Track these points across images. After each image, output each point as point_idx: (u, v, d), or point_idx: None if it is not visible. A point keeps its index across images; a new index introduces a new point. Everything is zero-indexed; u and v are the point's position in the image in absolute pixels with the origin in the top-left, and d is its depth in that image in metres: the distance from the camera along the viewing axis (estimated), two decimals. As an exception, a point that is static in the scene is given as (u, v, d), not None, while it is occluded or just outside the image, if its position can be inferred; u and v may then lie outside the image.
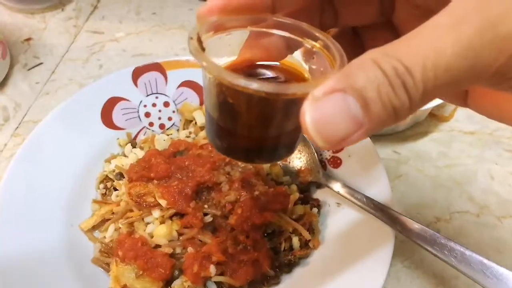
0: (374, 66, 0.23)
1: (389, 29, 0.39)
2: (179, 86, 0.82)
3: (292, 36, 0.37)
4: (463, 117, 0.91)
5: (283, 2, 0.35)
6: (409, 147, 0.87)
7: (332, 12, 0.39)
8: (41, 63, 0.99)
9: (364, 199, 0.64)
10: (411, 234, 0.60)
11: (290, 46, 0.37)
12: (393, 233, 0.62)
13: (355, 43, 0.41)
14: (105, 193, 0.72)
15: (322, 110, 0.24)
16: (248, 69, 0.38)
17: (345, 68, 0.24)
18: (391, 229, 0.62)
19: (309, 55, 0.37)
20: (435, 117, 0.91)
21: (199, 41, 0.34)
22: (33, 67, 0.98)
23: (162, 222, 0.65)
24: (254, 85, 0.28)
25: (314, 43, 0.36)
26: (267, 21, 0.37)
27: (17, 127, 0.87)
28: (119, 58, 1.01)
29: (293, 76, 0.38)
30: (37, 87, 0.94)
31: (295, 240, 0.66)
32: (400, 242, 0.71)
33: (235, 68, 0.38)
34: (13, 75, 0.96)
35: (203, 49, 0.34)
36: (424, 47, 0.23)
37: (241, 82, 0.29)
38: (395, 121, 0.25)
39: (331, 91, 0.24)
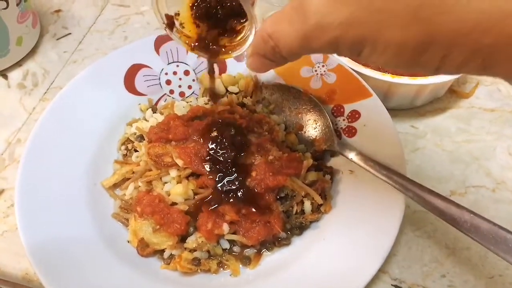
0: (263, 45, 0.41)
1: None
2: (199, 56, 0.84)
3: None
4: (484, 94, 0.89)
5: None
6: (427, 122, 0.86)
7: None
8: (69, 34, 1.03)
9: (377, 166, 0.65)
10: (423, 200, 0.60)
11: None
12: (404, 199, 0.63)
13: None
14: (126, 154, 0.75)
15: (250, 62, 0.45)
16: None
17: (253, 41, 0.45)
18: (402, 195, 0.62)
19: None
20: (455, 93, 0.89)
21: None
22: (62, 37, 1.02)
23: (178, 182, 0.67)
24: None
25: None
26: None
27: (45, 92, 0.91)
28: (143, 31, 1.04)
29: None
30: (65, 56, 0.98)
31: (307, 204, 0.68)
32: (412, 212, 0.72)
33: None
34: (43, 44, 1.00)
35: None
36: (283, 38, 0.39)
37: None
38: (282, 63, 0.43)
39: (250, 54, 0.45)
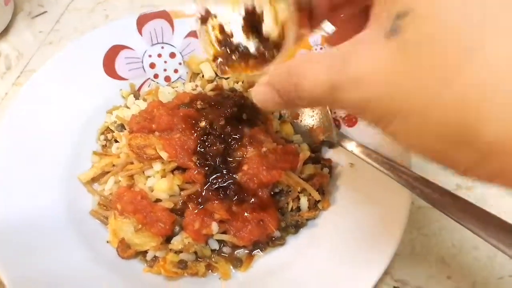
0: (286, 78, 0.37)
1: None
2: (186, 36, 0.77)
3: None
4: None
5: None
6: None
7: None
8: (45, 12, 0.95)
9: (380, 159, 0.59)
10: (430, 197, 0.55)
11: None
12: (410, 196, 0.57)
13: None
14: (106, 145, 0.69)
15: (257, 92, 0.41)
16: None
17: (277, 70, 0.39)
18: (408, 191, 0.57)
19: None
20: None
21: None
22: (37, 16, 0.94)
23: (163, 176, 0.61)
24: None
25: None
26: None
27: (19, 76, 0.84)
28: (126, 9, 0.96)
29: None
30: (40, 36, 0.90)
31: (304, 201, 0.62)
32: (417, 208, 0.67)
33: None
34: (17, 23, 0.92)
35: None
36: (309, 80, 0.34)
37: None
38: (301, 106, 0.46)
39: (262, 84, 0.40)
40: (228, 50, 0.51)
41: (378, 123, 0.32)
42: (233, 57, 0.51)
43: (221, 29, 0.51)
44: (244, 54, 0.50)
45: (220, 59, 0.52)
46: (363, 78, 0.31)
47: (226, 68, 0.52)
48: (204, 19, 0.52)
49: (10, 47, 0.88)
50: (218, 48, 0.52)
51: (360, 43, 0.32)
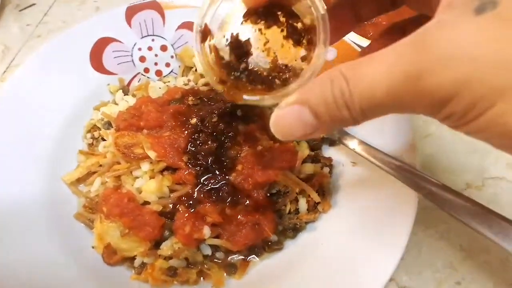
0: (328, 86, 0.30)
1: None
2: (178, 28, 0.73)
3: None
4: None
5: None
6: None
7: None
8: (33, 4, 0.91)
9: (384, 158, 0.55)
10: (439, 199, 0.51)
11: None
12: (417, 198, 0.53)
13: None
14: (92, 143, 0.65)
15: (281, 116, 0.33)
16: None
17: (308, 84, 0.32)
18: (414, 193, 0.53)
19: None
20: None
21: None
22: (25, 8, 0.90)
23: (152, 177, 0.57)
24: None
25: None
26: None
27: (5, 71, 0.80)
28: (118, 0, 0.92)
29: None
30: (28, 29, 0.87)
31: (302, 202, 0.58)
32: (423, 208, 0.62)
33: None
34: (4, 16, 0.88)
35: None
36: (366, 81, 0.29)
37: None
38: (345, 126, 0.32)
39: (292, 103, 0.32)
40: (234, 72, 0.43)
41: (473, 109, 0.27)
42: (240, 78, 0.43)
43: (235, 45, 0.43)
44: (254, 76, 0.43)
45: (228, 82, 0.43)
46: (456, 55, 0.26)
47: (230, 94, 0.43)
48: (204, 35, 0.43)
49: (-4, 41, 0.84)
50: (223, 70, 0.43)
51: (439, 25, 0.28)
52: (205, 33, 0.43)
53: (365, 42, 0.67)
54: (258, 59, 0.44)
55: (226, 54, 0.44)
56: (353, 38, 0.67)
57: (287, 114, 0.32)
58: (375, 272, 0.49)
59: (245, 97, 0.41)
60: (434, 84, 0.27)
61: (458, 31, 0.27)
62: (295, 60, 0.43)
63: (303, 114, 0.31)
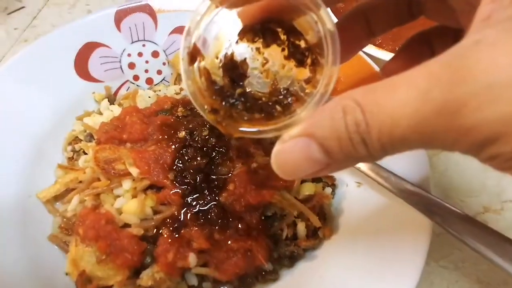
0: (340, 117, 0.25)
1: None
2: (171, 33, 0.68)
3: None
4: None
5: None
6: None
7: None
8: (22, 7, 0.86)
9: (393, 179, 0.49)
10: (454, 226, 0.45)
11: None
12: (430, 225, 0.47)
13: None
14: (73, 157, 0.60)
15: (284, 151, 0.28)
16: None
17: (315, 113, 0.27)
18: (427, 219, 0.46)
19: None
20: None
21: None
22: (14, 11, 0.86)
23: (134, 196, 0.51)
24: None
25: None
26: None
27: (-13, 77, 0.75)
28: (111, 4, 0.87)
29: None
30: (15, 33, 0.82)
31: (301, 227, 0.53)
32: (436, 236, 0.56)
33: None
34: (-10, 19, 0.84)
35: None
36: (387, 111, 0.24)
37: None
38: (361, 162, 0.29)
39: (297, 136, 0.27)
40: (228, 99, 0.37)
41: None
42: (236, 106, 0.37)
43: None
44: (251, 103, 0.37)
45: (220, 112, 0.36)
46: (505, 84, 0.21)
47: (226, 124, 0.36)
48: (192, 57, 0.37)
49: (-19, 45, 0.80)
50: (215, 97, 0.37)
51: (479, 46, 0.23)
52: (194, 54, 0.36)
53: (381, 53, 0.61)
54: (255, 82, 0.39)
55: (218, 77, 0.38)
56: (366, 49, 0.61)
57: (291, 149, 0.28)
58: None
59: (242, 129, 0.35)
60: (478, 119, 0.22)
61: (503, 53, 0.22)
62: (298, 83, 0.37)
63: (310, 149, 0.27)
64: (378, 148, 0.25)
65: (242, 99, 0.37)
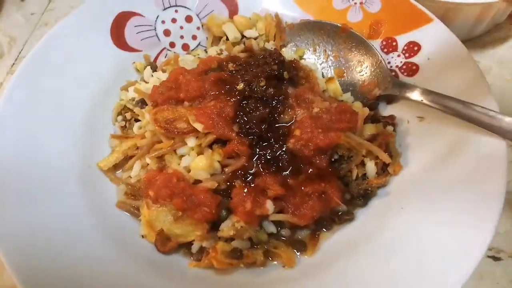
0: None
1: None
2: (203, -5, 0.67)
3: None
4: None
5: None
6: (489, 54, 0.71)
7: None
8: (36, -8, 0.84)
9: (461, 105, 0.49)
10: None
11: None
12: (505, 146, 0.47)
13: None
14: (125, 125, 0.59)
15: None
16: None
17: None
18: (504, 141, 0.46)
19: None
20: (517, 17, 0.74)
21: None
22: (27, -2, 0.84)
23: (200, 153, 0.51)
24: None
25: None
26: None
27: (13, 64, 0.73)
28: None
29: None
30: (33, 18, 0.80)
31: (371, 165, 0.52)
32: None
33: None
34: (6, 6, 0.82)
35: None
36: None
37: None
38: None
39: None
40: None
41: None
42: None
43: None
44: None
45: None
46: None
47: None
48: None
49: (1, 33, 0.78)
50: None
51: None
52: None
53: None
54: None
55: None
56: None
57: None
58: (471, 233, 0.43)
59: None
60: None
61: None
62: None
63: None
64: None
65: None
